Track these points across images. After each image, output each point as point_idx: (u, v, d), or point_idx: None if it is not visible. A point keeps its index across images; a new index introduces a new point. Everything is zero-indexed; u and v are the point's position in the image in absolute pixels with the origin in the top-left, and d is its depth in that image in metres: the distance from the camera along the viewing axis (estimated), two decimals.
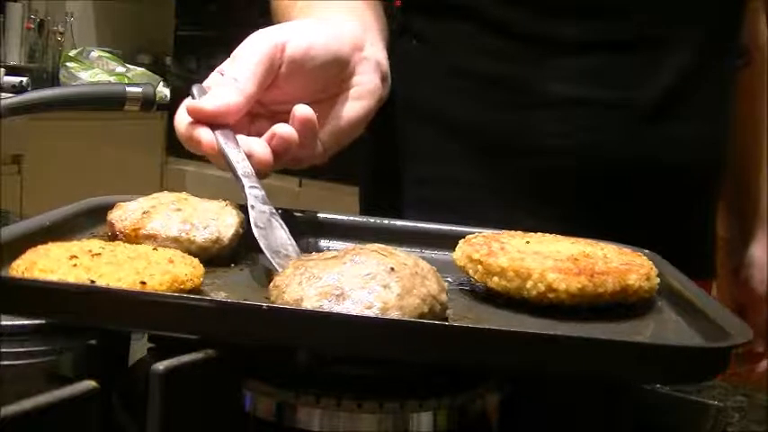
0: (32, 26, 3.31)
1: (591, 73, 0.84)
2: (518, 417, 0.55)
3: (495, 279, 0.60)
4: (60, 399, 0.44)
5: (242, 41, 0.70)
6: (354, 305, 0.51)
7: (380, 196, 0.96)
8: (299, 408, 0.50)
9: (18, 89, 2.82)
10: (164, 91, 3.16)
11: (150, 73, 3.33)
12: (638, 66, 0.84)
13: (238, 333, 0.49)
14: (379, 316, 0.51)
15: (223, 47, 0.79)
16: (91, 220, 0.70)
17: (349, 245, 0.62)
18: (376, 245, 0.58)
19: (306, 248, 0.71)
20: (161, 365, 0.45)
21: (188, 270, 0.56)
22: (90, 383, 0.46)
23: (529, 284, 0.58)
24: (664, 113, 0.84)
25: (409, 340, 0.49)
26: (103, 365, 0.54)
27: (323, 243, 0.75)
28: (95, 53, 3.30)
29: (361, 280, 0.53)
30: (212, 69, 0.70)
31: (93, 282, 0.52)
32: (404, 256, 0.56)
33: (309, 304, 0.52)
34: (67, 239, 0.61)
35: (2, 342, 0.58)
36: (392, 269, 0.54)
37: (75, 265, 0.53)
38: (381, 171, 0.96)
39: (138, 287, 0.52)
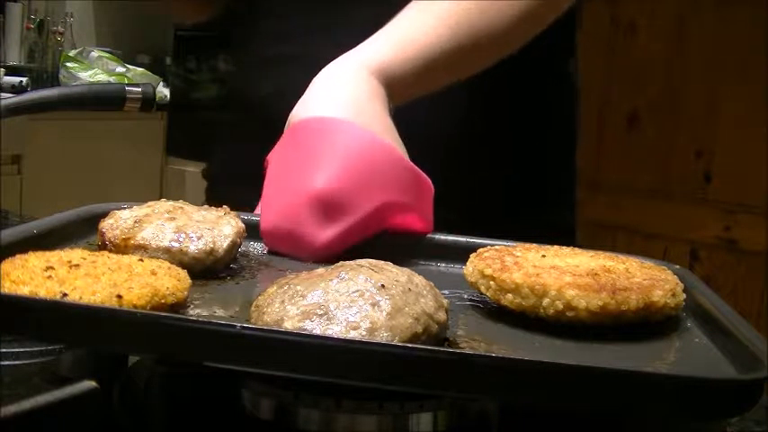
0: (32, 26, 3.31)
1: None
2: (518, 416, 0.55)
3: (509, 296, 0.56)
4: (60, 399, 0.44)
5: (241, 41, 0.69)
6: (339, 326, 0.48)
7: None
8: (298, 408, 0.50)
9: (18, 89, 2.82)
10: (164, 91, 3.15)
11: (150, 73, 3.32)
12: None
13: (201, 356, 0.46)
14: (365, 338, 0.47)
15: (223, 47, 0.80)
16: (87, 228, 0.68)
17: (359, 259, 0.59)
18: (367, 260, 0.54)
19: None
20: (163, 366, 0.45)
21: (171, 283, 0.53)
22: (90, 383, 0.46)
23: (545, 302, 0.55)
24: None
25: (388, 367, 0.44)
26: (103, 365, 0.53)
27: None
28: (95, 53, 3.29)
29: (347, 298, 0.49)
30: (212, 69, 0.70)
31: (65, 294, 0.49)
32: (397, 272, 0.53)
33: (290, 325, 0.48)
34: (60, 248, 0.59)
35: (2, 342, 0.58)
36: (382, 286, 0.50)
37: (49, 277, 0.51)
38: None
39: (113, 301, 0.49)
